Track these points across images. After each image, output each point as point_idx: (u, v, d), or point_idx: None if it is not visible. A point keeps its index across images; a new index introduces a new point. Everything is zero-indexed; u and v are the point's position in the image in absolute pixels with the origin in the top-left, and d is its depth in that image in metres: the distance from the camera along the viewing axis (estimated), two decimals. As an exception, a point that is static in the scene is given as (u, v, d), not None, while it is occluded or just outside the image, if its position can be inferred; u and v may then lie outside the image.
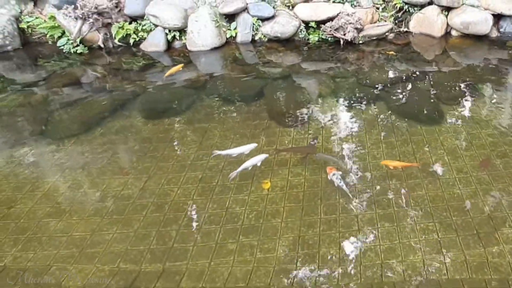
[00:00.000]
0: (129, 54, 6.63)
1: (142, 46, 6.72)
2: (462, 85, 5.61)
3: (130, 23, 6.73)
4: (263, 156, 3.88)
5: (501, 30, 7.14)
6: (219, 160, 4.09)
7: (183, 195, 3.68)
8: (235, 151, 3.96)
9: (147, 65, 6.32)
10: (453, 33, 7.17)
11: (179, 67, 5.96)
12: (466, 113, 4.91)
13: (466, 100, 5.23)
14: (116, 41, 6.69)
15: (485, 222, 3.31)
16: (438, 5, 7.07)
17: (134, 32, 6.67)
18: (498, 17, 7.10)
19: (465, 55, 6.73)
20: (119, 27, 6.60)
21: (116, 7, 6.67)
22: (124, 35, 6.64)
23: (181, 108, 5.11)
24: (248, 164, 3.80)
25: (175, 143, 4.41)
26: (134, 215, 3.48)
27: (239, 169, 3.76)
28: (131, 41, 6.68)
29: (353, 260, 3.03)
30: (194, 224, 3.38)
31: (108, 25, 6.66)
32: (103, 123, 4.80)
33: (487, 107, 5.05)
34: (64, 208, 3.53)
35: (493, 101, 5.22)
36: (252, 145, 4.00)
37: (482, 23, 6.84)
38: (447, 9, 7.11)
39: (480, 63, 6.46)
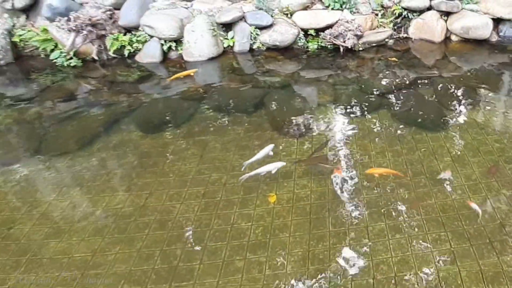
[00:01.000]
0: (124, 66, 6.65)
1: (137, 58, 6.75)
2: (465, 90, 5.69)
3: (124, 34, 6.77)
4: (279, 164, 3.93)
5: (500, 34, 7.29)
6: (221, 173, 4.10)
7: (186, 212, 3.67)
8: (259, 156, 4.07)
9: (143, 77, 6.35)
10: (453, 38, 7.29)
11: (189, 72, 6.08)
12: (471, 118, 4.97)
13: (469, 106, 5.30)
14: (110, 53, 6.71)
15: (497, 230, 3.34)
16: (438, 10, 7.20)
17: (129, 44, 6.70)
18: (497, 21, 7.24)
19: (466, 60, 6.83)
20: (114, 39, 6.64)
21: (110, 18, 6.71)
22: (119, 47, 6.67)
23: (179, 121, 5.12)
24: (263, 169, 3.86)
25: (175, 157, 4.41)
26: (136, 233, 3.46)
27: (252, 173, 3.83)
28: (126, 52, 6.71)
29: (365, 274, 3.02)
30: (199, 241, 3.36)
31: (102, 37, 6.68)
32: (100, 138, 4.79)
33: (491, 112, 5.12)
34: (63, 228, 3.50)
35: (496, 106, 5.30)
36: (270, 146, 4.15)
37: (482, 28, 6.97)
38: (447, 14, 7.25)
39: (482, 67, 6.57)
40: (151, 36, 6.71)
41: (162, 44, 6.68)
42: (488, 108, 5.23)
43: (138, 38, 6.74)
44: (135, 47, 6.75)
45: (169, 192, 3.89)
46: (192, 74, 6.10)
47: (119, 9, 6.84)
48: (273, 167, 3.89)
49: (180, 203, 3.77)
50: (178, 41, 6.74)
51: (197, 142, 4.64)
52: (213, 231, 3.45)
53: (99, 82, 6.23)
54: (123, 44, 6.67)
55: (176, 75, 6.05)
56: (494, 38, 7.23)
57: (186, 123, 5.04)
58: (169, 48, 6.73)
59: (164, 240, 3.38)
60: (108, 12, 6.71)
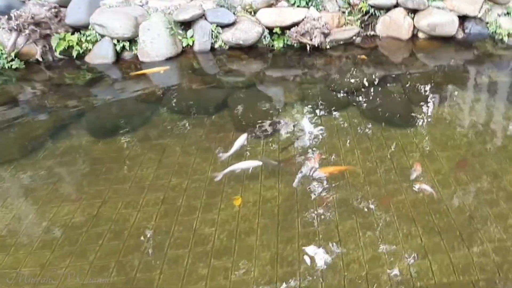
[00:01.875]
0: (72, 68, 6.57)
1: (87, 59, 6.69)
2: (433, 87, 6.05)
3: (72, 33, 6.70)
4: (255, 163, 4.06)
5: (466, 31, 7.81)
6: (182, 178, 4.13)
7: (144, 219, 3.66)
8: (235, 148, 4.29)
9: (94, 79, 6.29)
10: (420, 35, 7.73)
11: (159, 69, 6.15)
12: (439, 114, 5.28)
13: (437, 102, 5.64)
14: (57, 53, 6.62)
15: (467, 222, 3.56)
16: (405, 8, 7.61)
17: (77, 44, 6.64)
18: (463, 19, 7.76)
19: (433, 56, 7.26)
20: (60, 38, 6.56)
21: (56, 16, 6.63)
22: (66, 47, 6.60)
23: (135, 124, 5.11)
24: (238, 166, 3.98)
25: (131, 162, 4.39)
26: (88, 245, 3.41)
27: (227, 170, 3.92)
28: (74, 53, 6.64)
29: (337, 274, 3.13)
30: (159, 250, 3.36)
31: (47, 37, 6.59)
32: (46, 144, 4.71)
33: (458, 108, 5.47)
34: (9, 241, 3.43)
35: (463, 101, 5.66)
36: (244, 136, 4.41)
37: (449, 25, 7.45)
38: (413, 11, 7.68)
39: (449, 64, 7.01)
40: (102, 36, 6.68)
41: (114, 44, 6.66)
42: (455, 103, 5.59)
43: (88, 38, 6.69)
44: (85, 47, 6.69)
45: (125, 200, 3.87)
46: (162, 72, 6.14)
47: (65, 6, 6.78)
48: (248, 165, 4.01)
49: (137, 210, 3.75)
50: (132, 40, 6.75)
51: (155, 146, 4.65)
52: (174, 238, 3.47)
53: (44, 85, 6.12)
54: (70, 44, 6.60)
55: (142, 71, 6.06)
56: (460, 35, 7.73)
57: (142, 127, 5.04)
58: (123, 48, 6.72)
59: (120, 250, 3.35)
60: (53, 10, 6.64)
